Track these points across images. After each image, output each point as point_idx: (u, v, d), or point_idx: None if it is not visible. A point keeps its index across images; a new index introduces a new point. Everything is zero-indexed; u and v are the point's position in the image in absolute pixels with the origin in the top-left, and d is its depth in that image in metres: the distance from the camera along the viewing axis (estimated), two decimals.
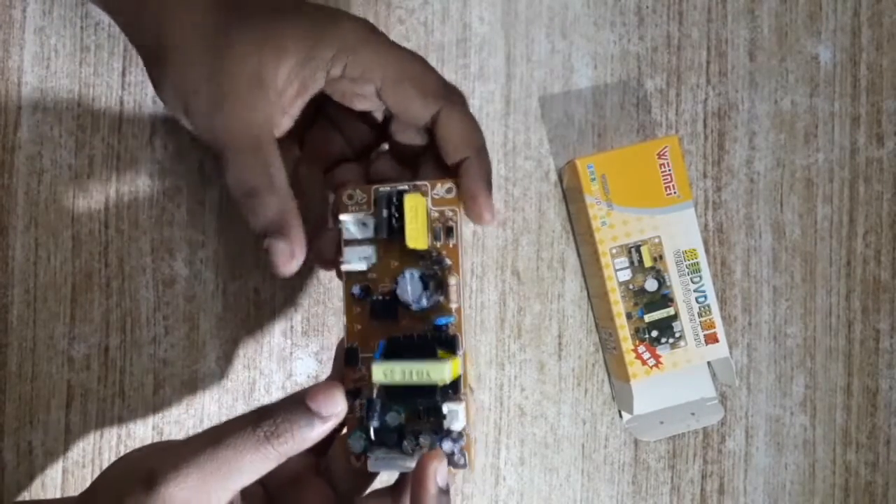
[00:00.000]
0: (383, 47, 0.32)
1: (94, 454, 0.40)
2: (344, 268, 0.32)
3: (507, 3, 0.42)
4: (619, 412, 0.42)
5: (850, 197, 0.43)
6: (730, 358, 0.40)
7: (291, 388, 0.41)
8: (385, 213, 0.32)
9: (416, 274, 0.31)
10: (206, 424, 0.41)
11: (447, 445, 0.31)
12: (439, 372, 0.29)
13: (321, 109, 0.34)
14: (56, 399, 0.40)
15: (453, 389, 0.31)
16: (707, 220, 0.43)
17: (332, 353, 0.41)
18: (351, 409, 0.32)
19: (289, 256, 0.31)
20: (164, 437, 0.41)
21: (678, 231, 0.39)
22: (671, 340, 0.39)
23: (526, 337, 0.42)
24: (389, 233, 0.32)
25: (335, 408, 0.29)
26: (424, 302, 0.31)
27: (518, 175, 0.42)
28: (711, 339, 0.39)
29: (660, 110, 0.43)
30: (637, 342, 0.39)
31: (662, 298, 0.39)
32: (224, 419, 0.41)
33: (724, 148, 0.43)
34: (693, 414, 0.41)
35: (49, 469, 0.40)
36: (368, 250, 0.32)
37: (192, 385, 0.41)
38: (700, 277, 0.39)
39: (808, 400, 0.43)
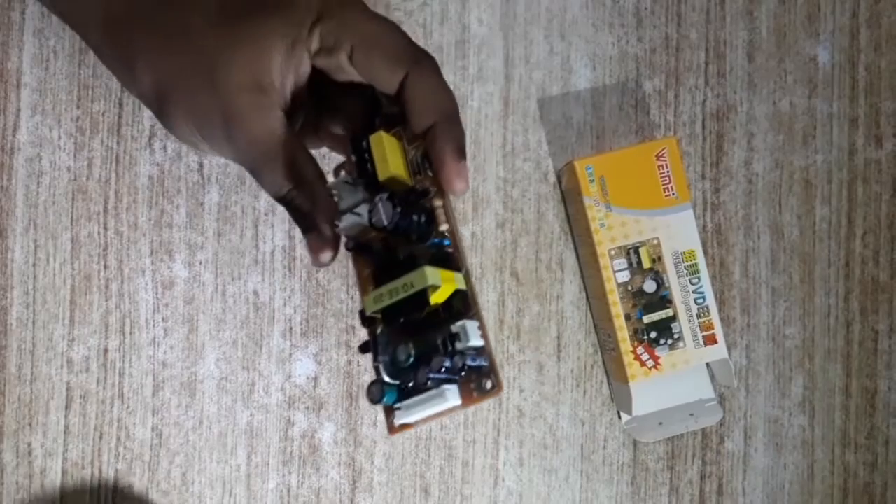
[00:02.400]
0: (352, 13, 0.32)
1: (93, 456, 0.40)
2: (339, 230, 0.31)
3: (505, 5, 0.42)
4: (618, 413, 0.42)
5: (849, 198, 0.43)
6: (728, 359, 0.40)
7: (291, 390, 0.41)
8: (354, 157, 0.32)
9: (385, 196, 0.30)
10: (206, 426, 0.41)
11: (460, 360, 0.29)
12: (420, 277, 0.28)
13: (318, 97, 0.35)
14: (55, 401, 0.40)
15: (463, 308, 0.30)
16: (706, 222, 0.43)
17: (332, 355, 0.41)
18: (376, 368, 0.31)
19: (318, 247, 0.31)
20: (164, 440, 0.41)
21: (677, 232, 0.39)
22: (670, 342, 0.39)
23: (525, 338, 0.42)
24: (363, 174, 0.31)
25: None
26: (398, 219, 0.30)
27: (517, 176, 0.42)
28: (710, 340, 0.39)
29: (658, 112, 0.43)
30: (636, 343, 0.39)
31: (661, 300, 0.39)
32: (224, 421, 0.41)
33: (722, 149, 0.43)
34: (692, 415, 0.41)
35: (48, 470, 0.40)
36: (361, 208, 0.31)
37: (191, 387, 0.41)
38: (699, 279, 0.39)
39: (806, 401, 0.43)
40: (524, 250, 0.42)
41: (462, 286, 0.30)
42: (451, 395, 0.29)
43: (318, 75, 0.33)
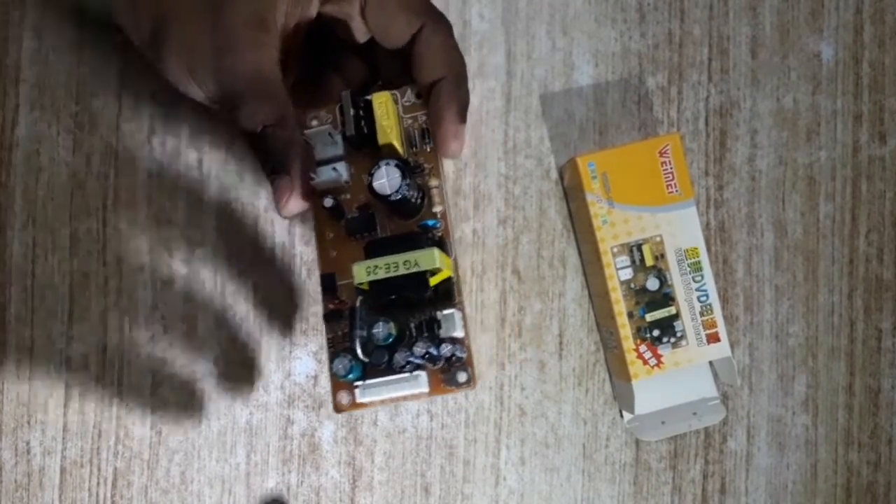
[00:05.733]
0: None
1: (91, 454, 0.40)
2: (314, 183, 0.30)
3: (507, 0, 0.42)
4: (621, 412, 0.42)
5: (853, 195, 0.43)
6: (731, 357, 0.39)
7: (290, 388, 0.41)
8: (352, 111, 0.30)
9: (393, 163, 0.29)
10: (205, 424, 0.41)
11: (446, 349, 0.28)
12: (429, 258, 0.27)
13: (318, 54, 0.34)
14: (54, 398, 0.40)
15: (446, 296, 0.29)
16: (709, 219, 0.42)
17: None
18: (332, 340, 0.29)
19: (287, 192, 0.30)
20: (163, 438, 0.40)
21: (680, 229, 0.39)
22: (673, 340, 0.39)
23: (526, 336, 0.42)
24: (359, 133, 0.30)
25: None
26: (405, 191, 0.29)
27: (519, 173, 0.42)
28: (713, 338, 0.39)
29: (661, 108, 0.42)
30: (638, 341, 0.39)
31: (664, 297, 0.39)
32: (223, 420, 0.40)
33: (725, 146, 0.42)
34: (695, 414, 0.41)
35: (47, 469, 0.40)
36: (340, 165, 0.30)
37: (190, 385, 0.40)
38: (702, 276, 0.39)
39: (809, 399, 0.42)
40: (526, 247, 0.42)
41: (451, 273, 0.30)
42: (422, 381, 0.29)
43: (317, 31, 0.32)
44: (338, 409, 0.30)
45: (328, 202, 0.30)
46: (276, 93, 0.30)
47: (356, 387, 0.29)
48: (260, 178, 0.41)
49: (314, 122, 0.31)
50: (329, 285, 0.30)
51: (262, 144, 0.30)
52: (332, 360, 0.29)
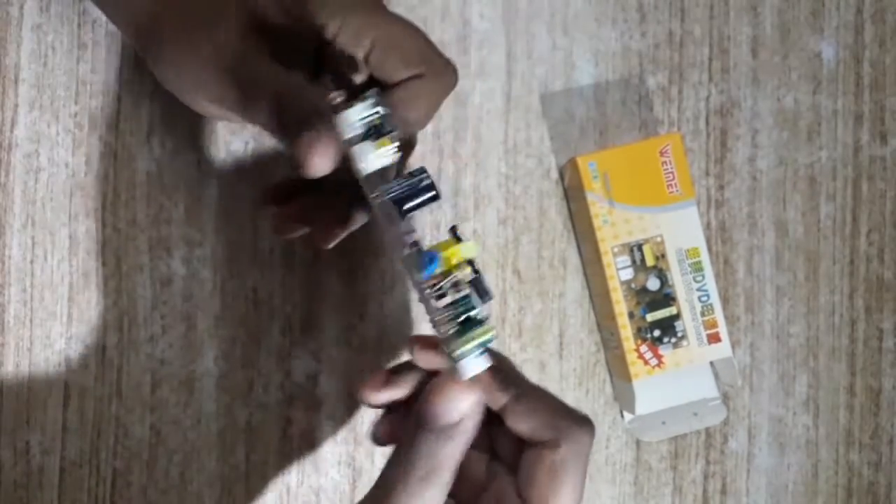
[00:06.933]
0: (376, 14, 0.32)
1: (91, 454, 0.40)
2: (364, 167, 0.28)
3: (507, 0, 0.42)
4: (621, 412, 0.42)
5: (854, 195, 0.43)
6: (732, 357, 0.39)
7: (290, 388, 0.41)
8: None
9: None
10: (204, 424, 0.40)
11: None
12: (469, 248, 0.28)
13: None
14: (53, 398, 0.40)
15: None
16: (709, 219, 0.42)
17: (332, 353, 0.41)
18: (439, 320, 0.28)
19: (315, 144, 0.28)
20: (162, 438, 0.40)
21: (680, 229, 0.39)
22: (673, 340, 0.39)
23: (527, 336, 0.41)
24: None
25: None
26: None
27: (519, 173, 0.42)
28: (714, 338, 0.39)
29: (662, 108, 0.42)
30: (639, 341, 0.39)
31: (664, 298, 0.39)
32: (222, 420, 0.40)
33: (726, 146, 0.42)
34: (695, 414, 0.41)
35: (46, 469, 0.40)
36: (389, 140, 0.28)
37: (189, 384, 0.40)
38: (702, 276, 0.39)
39: (810, 400, 0.42)
40: (526, 248, 0.42)
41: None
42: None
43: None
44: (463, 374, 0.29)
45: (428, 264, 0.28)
46: (296, 78, 0.30)
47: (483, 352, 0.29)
48: (260, 178, 0.41)
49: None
50: (429, 263, 0.28)
51: (282, 115, 0.29)
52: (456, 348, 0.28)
